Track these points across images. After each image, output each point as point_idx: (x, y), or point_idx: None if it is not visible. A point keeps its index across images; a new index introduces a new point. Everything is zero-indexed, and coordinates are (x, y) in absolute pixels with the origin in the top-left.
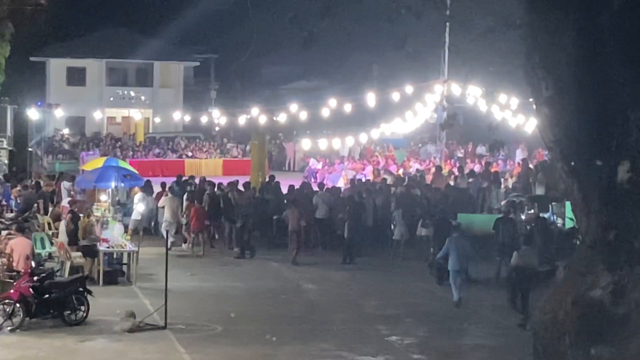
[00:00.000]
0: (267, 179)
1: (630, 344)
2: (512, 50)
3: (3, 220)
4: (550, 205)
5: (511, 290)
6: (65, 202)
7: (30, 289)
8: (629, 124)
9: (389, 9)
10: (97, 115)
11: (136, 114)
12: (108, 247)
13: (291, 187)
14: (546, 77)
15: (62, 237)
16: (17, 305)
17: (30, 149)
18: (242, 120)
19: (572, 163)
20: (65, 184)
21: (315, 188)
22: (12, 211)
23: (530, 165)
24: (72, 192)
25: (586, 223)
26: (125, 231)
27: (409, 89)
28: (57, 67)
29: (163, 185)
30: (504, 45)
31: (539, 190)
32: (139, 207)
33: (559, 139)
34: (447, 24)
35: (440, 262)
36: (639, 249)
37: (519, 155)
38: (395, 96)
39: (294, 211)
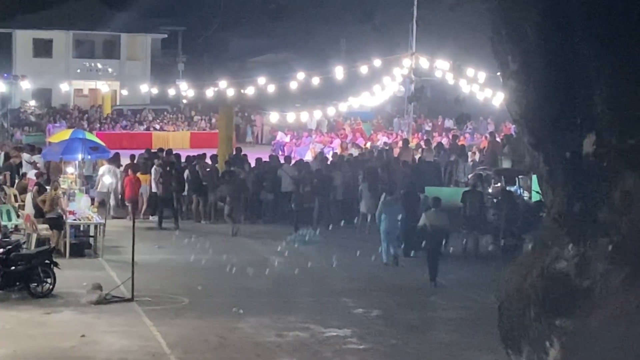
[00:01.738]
0: (233, 152)
1: (593, 315)
2: (480, 23)
3: None
4: (516, 179)
5: (431, 253)
6: (30, 174)
7: None
8: (595, 97)
9: None
10: (64, 87)
11: (103, 87)
12: (75, 220)
13: (258, 160)
14: (513, 50)
15: (29, 209)
16: None
17: None
18: (209, 93)
19: (538, 135)
20: (25, 156)
21: (282, 161)
22: None
23: (498, 139)
24: (37, 164)
25: (551, 196)
26: (92, 203)
27: (377, 62)
28: (23, 38)
29: (132, 157)
30: (472, 19)
31: (506, 164)
32: (105, 179)
33: (524, 112)
34: None
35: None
36: (604, 221)
37: (490, 128)
38: (364, 69)
39: (234, 183)
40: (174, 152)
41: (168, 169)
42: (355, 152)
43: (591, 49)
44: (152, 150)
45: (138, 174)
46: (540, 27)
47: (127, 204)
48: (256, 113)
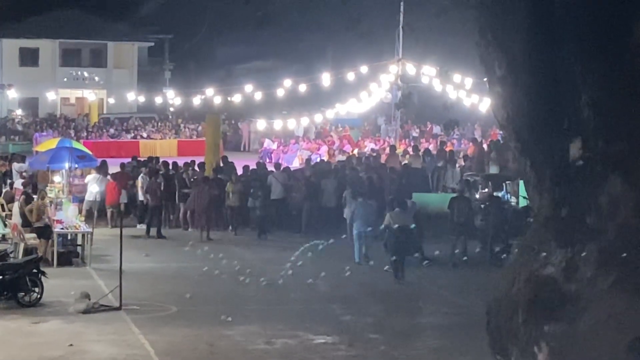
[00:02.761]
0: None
1: (581, 320)
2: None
3: None
4: (504, 184)
5: (395, 251)
6: (18, 183)
7: None
8: (581, 102)
9: None
10: (51, 96)
11: (90, 95)
12: (62, 229)
13: (246, 167)
14: (499, 55)
15: (16, 219)
16: None
17: None
18: (196, 100)
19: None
20: (15, 165)
21: (271, 168)
22: None
23: (484, 145)
24: (23, 173)
25: (539, 201)
26: (80, 212)
27: (363, 69)
28: (9, 47)
29: (122, 166)
30: (458, 25)
31: (493, 169)
32: (92, 187)
33: (511, 117)
34: (401, 3)
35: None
36: (591, 225)
37: (477, 134)
38: (350, 76)
39: (203, 188)
40: (162, 160)
41: (155, 177)
42: (342, 158)
43: (576, 54)
44: (140, 159)
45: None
46: (526, 33)
47: (107, 209)
48: (242, 120)
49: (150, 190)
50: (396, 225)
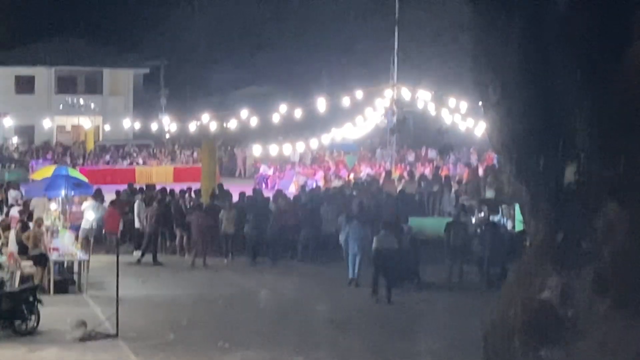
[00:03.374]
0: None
1: (578, 344)
2: (461, 53)
3: None
4: (500, 208)
5: (374, 274)
6: (13, 211)
7: None
8: (576, 127)
9: (337, 15)
10: (47, 123)
11: (86, 122)
12: (58, 256)
13: (242, 193)
14: (493, 80)
15: (12, 247)
16: None
17: None
18: (192, 126)
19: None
20: (12, 193)
21: (267, 194)
22: None
23: (480, 169)
24: (18, 201)
25: (535, 225)
26: (76, 239)
27: (359, 93)
28: (5, 75)
29: (118, 193)
30: (452, 49)
31: (489, 194)
32: (89, 215)
33: (506, 142)
34: (396, 28)
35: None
36: (587, 250)
37: (472, 158)
38: (346, 101)
39: (199, 216)
40: (160, 187)
41: (151, 204)
42: (338, 184)
43: (570, 77)
44: (135, 185)
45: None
46: (520, 58)
47: (107, 236)
48: (238, 146)
49: (147, 217)
50: (374, 247)
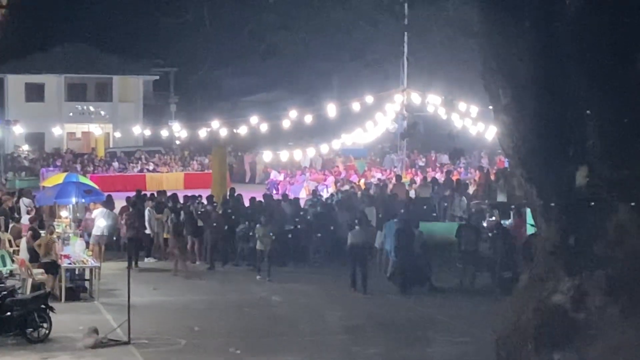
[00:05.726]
0: (227, 193)
1: (591, 348)
2: (471, 58)
3: None
4: (511, 212)
5: (351, 267)
6: (25, 219)
7: None
8: (586, 130)
9: (347, 20)
10: (57, 131)
11: (96, 129)
12: (70, 264)
13: (252, 199)
14: (504, 84)
15: (23, 254)
16: None
17: None
18: (202, 133)
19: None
20: (24, 201)
21: (278, 199)
22: None
23: (491, 173)
24: (30, 209)
25: (546, 228)
26: (87, 247)
27: (369, 98)
28: (15, 83)
29: (128, 199)
30: (462, 54)
31: (501, 197)
32: (100, 222)
33: (517, 145)
34: (405, 33)
35: (402, 270)
36: (599, 253)
37: (483, 162)
38: (356, 106)
39: (211, 222)
40: (171, 194)
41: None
42: (348, 189)
43: (581, 81)
44: (144, 192)
45: None
46: (530, 62)
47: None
48: (248, 152)
49: (158, 224)
50: (349, 242)
